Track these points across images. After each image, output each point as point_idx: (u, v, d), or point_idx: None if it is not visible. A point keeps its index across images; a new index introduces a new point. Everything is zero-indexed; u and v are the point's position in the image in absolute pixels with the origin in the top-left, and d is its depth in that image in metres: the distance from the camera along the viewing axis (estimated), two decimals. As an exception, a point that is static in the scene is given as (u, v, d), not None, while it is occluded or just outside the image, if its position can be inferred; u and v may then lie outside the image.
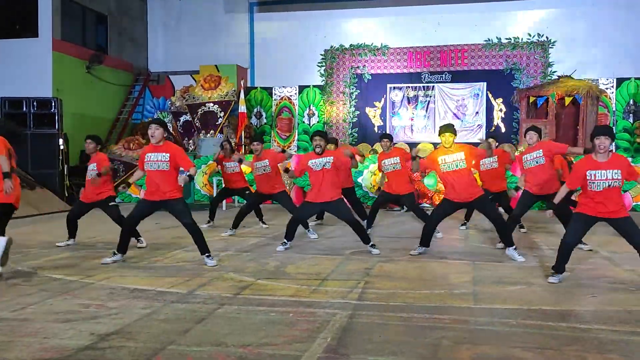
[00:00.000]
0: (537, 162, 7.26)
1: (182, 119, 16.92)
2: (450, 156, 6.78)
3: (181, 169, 6.60)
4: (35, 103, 13.99)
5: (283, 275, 6.04)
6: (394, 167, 8.77)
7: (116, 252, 6.67)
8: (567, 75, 14.72)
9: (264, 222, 10.01)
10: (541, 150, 7.28)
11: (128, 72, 18.49)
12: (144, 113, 18.54)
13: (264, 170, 8.68)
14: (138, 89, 18.54)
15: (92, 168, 7.79)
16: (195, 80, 17.33)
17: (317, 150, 7.24)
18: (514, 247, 6.85)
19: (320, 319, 4.39)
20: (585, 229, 5.73)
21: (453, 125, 6.99)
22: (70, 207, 12.92)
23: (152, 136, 6.41)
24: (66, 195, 13.78)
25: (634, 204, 12.57)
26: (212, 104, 16.31)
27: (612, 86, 15.89)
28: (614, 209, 5.49)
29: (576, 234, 5.71)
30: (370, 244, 7.34)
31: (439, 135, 6.88)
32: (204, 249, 6.52)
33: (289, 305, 4.79)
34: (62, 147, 13.81)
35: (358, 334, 4.08)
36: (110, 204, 7.78)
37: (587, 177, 5.45)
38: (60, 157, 13.80)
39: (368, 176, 13.62)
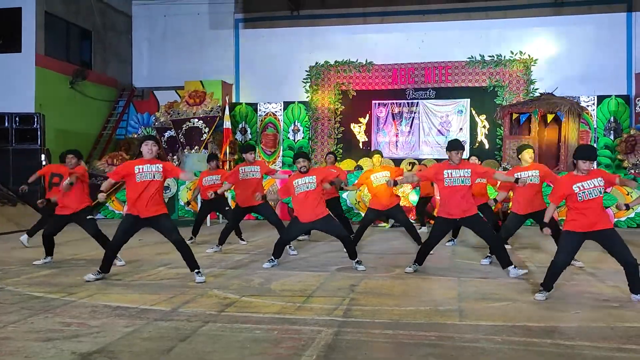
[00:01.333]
0: (530, 181, 7.38)
1: (166, 134, 16.86)
2: (457, 171, 6.76)
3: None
4: (17, 118, 13.86)
5: (268, 292, 6.00)
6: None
7: (100, 271, 6.59)
8: (549, 93, 14.92)
9: (242, 239, 9.95)
10: (537, 170, 7.56)
11: (112, 87, 18.42)
12: (128, 128, 18.45)
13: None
14: (122, 104, 18.46)
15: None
16: (180, 96, 17.30)
17: (302, 170, 7.27)
18: (512, 265, 6.87)
19: (306, 337, 4.36)
20: (575, 247, 5.78)
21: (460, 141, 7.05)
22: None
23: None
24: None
25: (615, 219, 12.70)
26: (196, 120, 16.29)
27: (593, 104, 16.13)
28: (600, 220, 5.63)
29: (567, 253, 5.75)
30: (356, 260, 7.34)
31: (449, 151, 6.82)
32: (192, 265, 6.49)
33: (274, 323, 4.76)
34: (44, 163, 13.66)
35: (343, 351, 4.05)
36: (87, 217, 7.68)
37: (576, 190, 5.58)
38: (42, 173, 13.64)
39: (353, 192, 13.63)
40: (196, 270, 6.45)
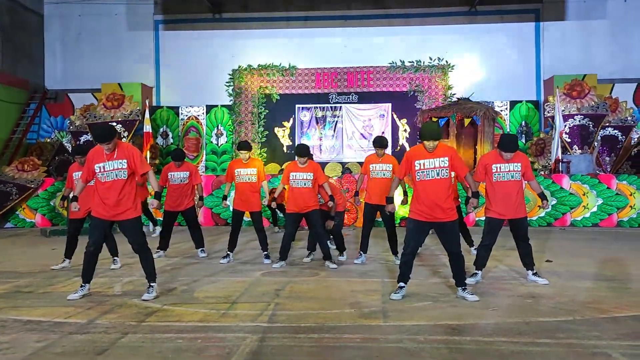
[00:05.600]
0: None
1: (82, 138, 16.19)
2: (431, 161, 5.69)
3: None
4: None
5: (191, 300, 5.86)
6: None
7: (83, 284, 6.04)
8: (465, 98, 15.46)
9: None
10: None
11: (22, 89, 17.47)
12: (40, 132, 17.56)
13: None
14: (34, 107, 17.56)
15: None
16: (97, 99, 16.67)
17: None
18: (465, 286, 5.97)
19: (230, 344, 4.28)
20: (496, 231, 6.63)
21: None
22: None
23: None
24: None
25: (477, 218, 13.36)
26: (115, 124, 15.74)
27: (506, 108, 16.87)
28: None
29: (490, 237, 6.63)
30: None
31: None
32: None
33: (197, 331, 4.64)
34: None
35: (269, 357, 4.01)
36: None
37: (494, 170, 6.41)
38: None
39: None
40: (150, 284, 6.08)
